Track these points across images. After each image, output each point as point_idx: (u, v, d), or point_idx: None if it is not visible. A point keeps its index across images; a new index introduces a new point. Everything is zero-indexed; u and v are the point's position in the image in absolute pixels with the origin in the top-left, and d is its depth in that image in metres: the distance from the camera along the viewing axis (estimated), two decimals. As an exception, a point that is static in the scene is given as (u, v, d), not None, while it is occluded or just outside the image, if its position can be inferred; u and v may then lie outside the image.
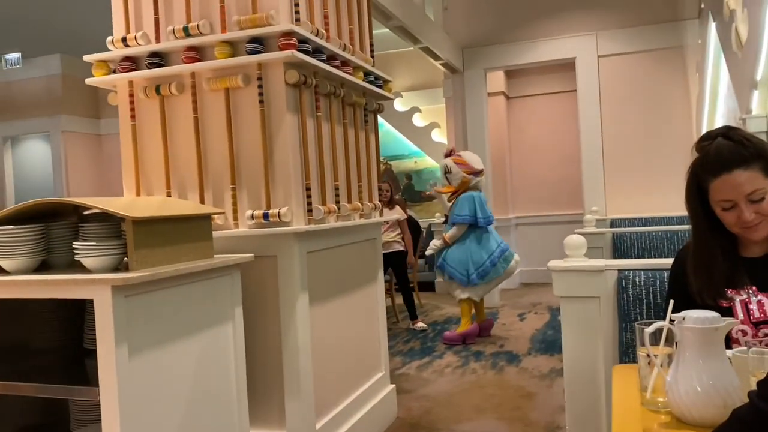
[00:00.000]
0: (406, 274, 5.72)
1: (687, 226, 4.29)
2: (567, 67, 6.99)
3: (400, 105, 8.70)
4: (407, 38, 5.44)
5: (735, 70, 3.79)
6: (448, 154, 5.16)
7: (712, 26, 4.71)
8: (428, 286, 7.58)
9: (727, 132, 1.50)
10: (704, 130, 5.60)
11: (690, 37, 5.97)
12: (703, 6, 5.47)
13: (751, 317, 1.48)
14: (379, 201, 3.27)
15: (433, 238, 7.53)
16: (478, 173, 5.03)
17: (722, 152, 1.46)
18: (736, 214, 1.45)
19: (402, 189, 8.81)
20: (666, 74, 6.14)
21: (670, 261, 2.02)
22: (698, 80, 5.69)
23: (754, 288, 1.51)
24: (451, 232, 4.96)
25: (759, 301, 1.49)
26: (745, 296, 1.50)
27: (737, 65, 3.66)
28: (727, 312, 1.48)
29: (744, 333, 1.48)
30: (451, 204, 5.07)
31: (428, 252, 5.09)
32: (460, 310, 5.14)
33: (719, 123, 5.18)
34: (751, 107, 3.35)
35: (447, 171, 5.06)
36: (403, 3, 4.97)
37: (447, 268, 4.96)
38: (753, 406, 0.95)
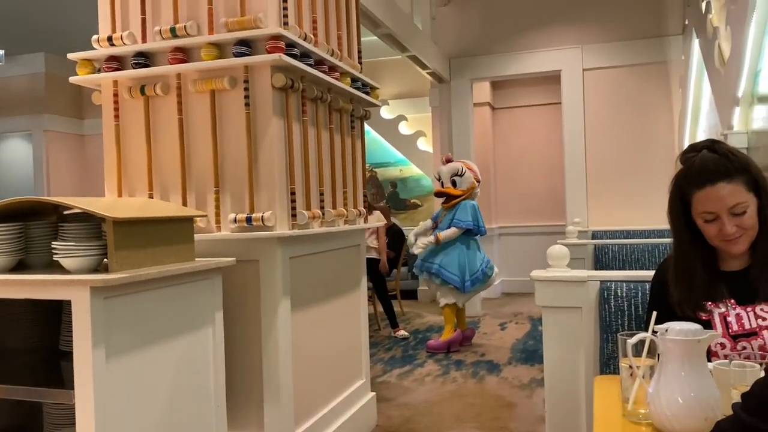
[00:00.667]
0: (383, 282, 5.70)
1: (668, 240, 4.32)
2: (552, 79, 7.06)
3: (386, 113, 8.71)
4: (395, 46, 5.45)
5: (717, 86, 3.84)
6: (447, 161, 5.18)
7: (696, 43, 4.78)
8: (410, 294, 7.57)
9: (712, 145, 1.51)
10: (686, 145, 5.67)
11: (674, 52, 6.05)
12: (687, 22, 5.55)
13: (730, 330, 1.49)
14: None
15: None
16: (479, 182, 5.14)
17: (707, 164, 1.47)
18: (717, 227, 1.47)
19: (387, 197, 8.81)
20: (650, 89, 6.22)
21: (651, 273, 2.03)
22: (681, 95, 5.77)
23: (732, 301, 1.51)
24: (447, 233, 4.92)
25: (737, 315, 1.50)
26: (723, 309, 1.51)
27: (719, 81, 3.72)
28: (706, 325, 1.48)
29: (722, 346, 1.48)
30: (447, 210, 5.05)
31: (417, 251, 5.03)
32: (443, 318, 5.15)
33: (701, 138, 5.23)
34: (732, 123, 3.40)
35: (458, 174, 5.00)
36: (391, 11, 4.98)
37: (444, 273, 4.91)
38: (737, 418, 0.95)
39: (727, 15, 3.49)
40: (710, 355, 1.49)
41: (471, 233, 4.97)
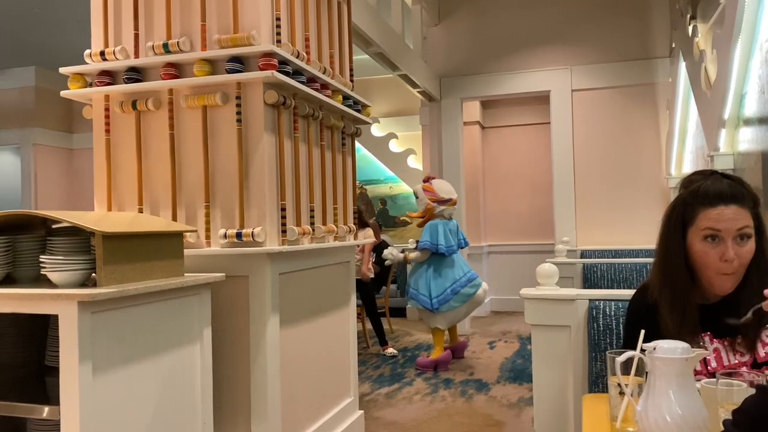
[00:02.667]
0: (373, 301, 5.70)
1: (656, 259, 4.34)
2: (541, 99, 7.13)
3: (377, 130, 8.75)
4: (386, 65, 5.49)
5: (704, 108, 3.90)
6: (425, 181, 5.24)
7: (683, 65, 4.86)
8: (399, 312, 7.56)
9: (720, 172, 1.50)
10: (673, 166, 5.74)
11: (661, 75, 6.14)
12: (674, 45, 5.63)
13: (708, 367, 1.46)
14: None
15: (406, 265, 7.55)
16: (443, 201, 5.07)
17: (722, 186, 1.45)
18: (719, 250, 1.42)
19: (376, 214, 8.82)
20: (637, 110, 6.30)
21: (640, 292, 2.04)
22: (668, 117, 5.84)
23: (708, 335, 1.48)
24: (414, 254, 5.11)
25: (715, 350, 1.47)
26: (701, 344, 1.47)
27: (706, 104, 3.77)
28: None
29: None
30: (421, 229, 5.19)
31: (386, 258, 5.30)
32: (432, 337, 5.16)
33: (688, 159, 5.31)
34: (718, 145, 3.44)
35: (416, 196, 5.22)
36: (383, 30, 5.03)
37: (411, 292, 5.04)
38: None
39: (713, 39, 3.55)
40: None
41: (436, 253, 4.98)
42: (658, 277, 1.53)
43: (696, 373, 1.44)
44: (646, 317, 1.50)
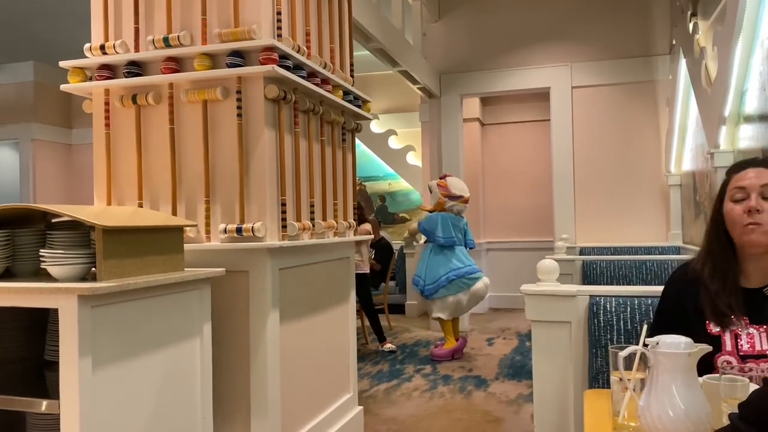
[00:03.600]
0: (369, 296, 5.68)
1: (655, 256, 4.35)
2: (541, 96, 7.12)
3: (376, 127, 8.75)
4: (386, 61, 5.49)
5: (704, 105, 3.89)
6: (441, 177, 5.46)
7: (683, 63, 4.85)
8: (398, 309, 7.55)
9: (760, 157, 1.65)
10: (673, 164, 5.74)
11: (661, 72, 6.14)
12: (674, 43, 5.63)
13: (740, 349, 1.47)
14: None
15: (405, 261, 7.61)
16: (454, 197, 5.26)
17: (751, 158, 1.62)
18: (745, 205, 1.50)
19: (375, 210, 8.82)
20: (637, 107, 6.29)
21: (641, 288, 2.05)
22: (668, 114, 5.84)
23: (745, 319, 1.50)
24: (412, 227, 5.56)
25: (749, 334, 1.48)
26: (735, 327, 1.49)
27: (706, 101, 3.77)
28: (716, 340, 1.48)
29: (729, 364, 1.45)
30: None
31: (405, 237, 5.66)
32: (430, 333, 5.22)
33: (688, 157, 5.30)
34: (719, 142, 3.44)
35: (430, 191, 5.47)
36: (383, 26, 5.02)
37: (414, 278, 5.33)
38: (734, 428, 0.96)
39: (714, 36, 3.55)
40: (716, 372, 1.46)
41: (438, 242, 5.24)
42: (702, 250, 1.64)
43: (726, 353, 1.49)
44: (683, 289, 1.60)
